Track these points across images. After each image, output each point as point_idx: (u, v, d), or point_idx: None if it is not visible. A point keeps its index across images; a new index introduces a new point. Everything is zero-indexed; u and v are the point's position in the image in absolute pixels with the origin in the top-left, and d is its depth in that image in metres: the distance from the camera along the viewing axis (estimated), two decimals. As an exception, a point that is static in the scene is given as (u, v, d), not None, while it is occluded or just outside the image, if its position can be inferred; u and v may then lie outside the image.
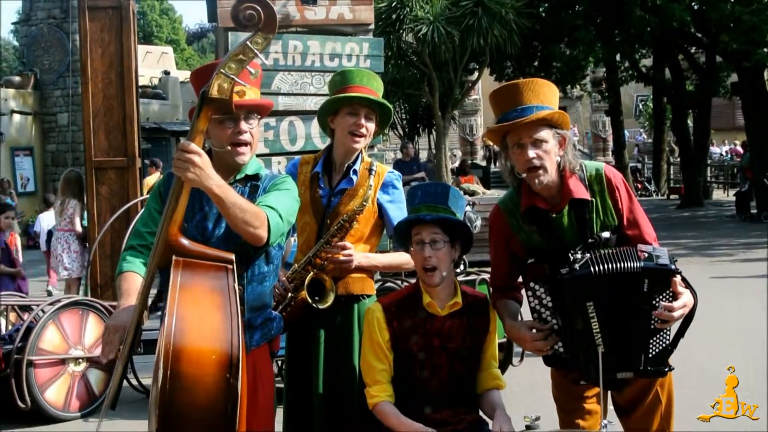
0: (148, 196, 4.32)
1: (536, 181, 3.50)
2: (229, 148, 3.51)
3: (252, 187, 3.57)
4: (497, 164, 33.74)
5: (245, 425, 3.15)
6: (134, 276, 3.47)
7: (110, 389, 3.49)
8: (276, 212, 3.39)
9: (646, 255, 3.40)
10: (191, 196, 3.36)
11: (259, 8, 3.06)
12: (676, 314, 3.38)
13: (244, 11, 3.05)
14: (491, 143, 34.41)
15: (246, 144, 3.54)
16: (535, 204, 3.56)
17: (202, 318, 2.96)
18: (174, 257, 3.14)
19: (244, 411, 3.08)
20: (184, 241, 3.20)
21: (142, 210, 3.73)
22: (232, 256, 3.22)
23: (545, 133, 3.50)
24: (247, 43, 3.09)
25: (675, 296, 3.41)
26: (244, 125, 3.53)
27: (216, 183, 3.16)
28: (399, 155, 21.42)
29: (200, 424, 2.86)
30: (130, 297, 3.39)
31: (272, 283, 3.70)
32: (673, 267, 3.38)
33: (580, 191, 3.55)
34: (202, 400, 2.85)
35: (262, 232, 3.30)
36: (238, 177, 3.57)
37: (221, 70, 3.10)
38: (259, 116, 3.66)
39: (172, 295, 2.98)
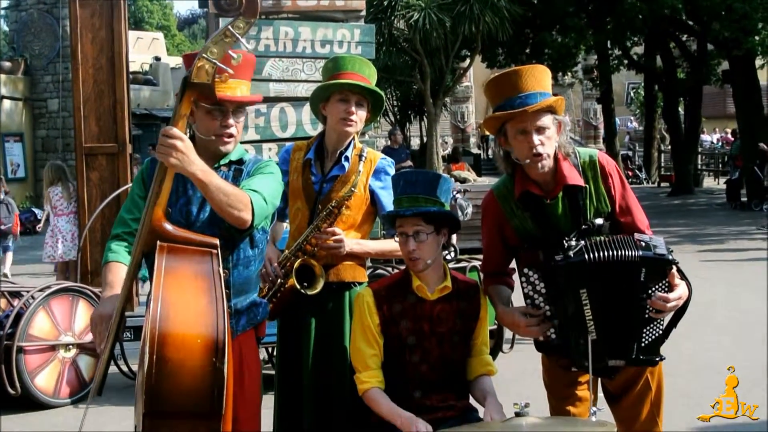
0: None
1: (539, 166, 3.49)
2: (214, 137, 3.54)
3: (236, 171, 3.59)
4: (489, 152, 33.78)
5: (231, 410, 3.16)
6: (119, 266, 3.49)
7: (96, 376, 3.50)
8: (260, 195, 3.41)
9: (644, 244, 3.40)
10: (175, 181, 3.38)
11: None
12: (670, 305, 3.38)
13: None
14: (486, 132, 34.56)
15: (231, 136, 3.57)
16: (529, 189, 3.56)
17: (188, 303, 2.97)
18: (158, 242, 3.15)
19: (230, 398, 3.09)
20: (168, 226, 3.21)
21: (127, 197, 3.74)
22: (217, 241, 3.24)
23: (547, 120, 3.50)
24: (229, 27, 3.10)
25: (671, 287, 3.41)
26: (231, 119, 3.56)
27: (199, 168, 3.17)
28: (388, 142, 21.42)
29: (187, 408, 2.87)
30: (114, 288, 3.42)
31: (258, 267, 3.72)
32: (670, 257, 3.39)
33: (574, 177, 3.55)
34: (189, 385, 2.86)
35: (245, 215, 3.31)
36: (222, 162, 3.59)
37: (203, 54, 3.12)
38: (245, 109, 3.70)
39: (157, 280, 2.99)
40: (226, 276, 3.52)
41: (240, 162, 3.64)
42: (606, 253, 3.37)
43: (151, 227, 3.18)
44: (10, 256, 15.27)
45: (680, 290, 3.42)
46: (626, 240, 3.43)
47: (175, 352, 2.85)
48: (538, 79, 3.55)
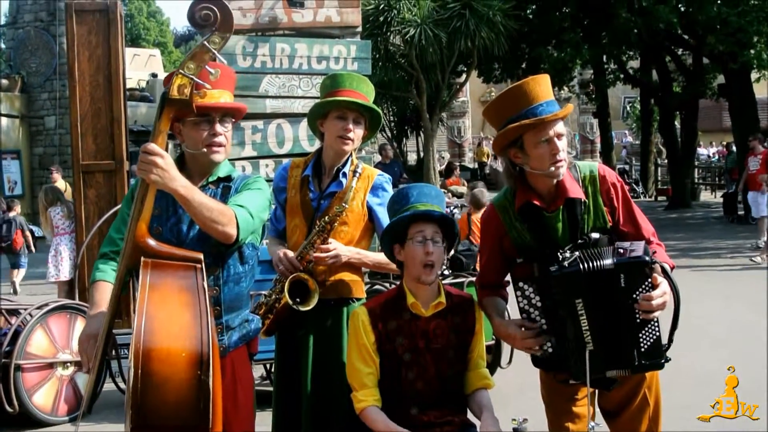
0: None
1: (559, 172, 3.51)
2: (204, 150, 3.55)
3: (224, 188, 3.61)
4: (488, 169, 33.76)
5: (221, 426, 3.17)
6: (105, 285, 3.51)
7: (86, 393, 3.52)
8: (245, 210, 3.44)
9: (621, 251, 3.41)
10: (165, 200, 3.44)
11: (214, 8, 3.11)
12: (655, 303, 3.35)
13: (200, 11, 3.11)
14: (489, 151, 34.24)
15: (220, 145, 3.58)
16: (531, 200, 3.57)
17: (171, 317, 2.99)
18: (142, 258, 3.16)
19: (219, 411, 3.10)
20: (151, 242, 3.22)
21: (116, 216, 3.75)
22: (201, 256, 3.25)
23: (563, 127, 3.53)
24: (204, 42, 3.13)
25: (654, 287, 3.39)
26: (219, 127, 3.58)
27: (180, 184, 3.19)
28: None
29: (173, 422, 2.89)
30: (100, 307, 3.44)
31: (249, 283, 3.73)
32: (646, 258, 3.37)
33: (575, 191, 3.56)
34: (174, 398, 2.87)
35: (230, 229, 3.33)
36: (210, 179, 3.61)
37: (180, 70, 3.15)
38: (233, 119, 3.70)
39: (142, 295, 3.01)
40: (216, 293, 3.56)
41: (228, 179, 3.66)
42: (589, 264, 3.39)
43: (134, 243, 3.19)
44: (22, 272, 15.62)
45: (662, 287, 3.39)
46: (607, 249, 3.44)
47: (160, 366, 2.87)
48: (549, 88, 3.58)
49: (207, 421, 2.89)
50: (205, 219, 3.27)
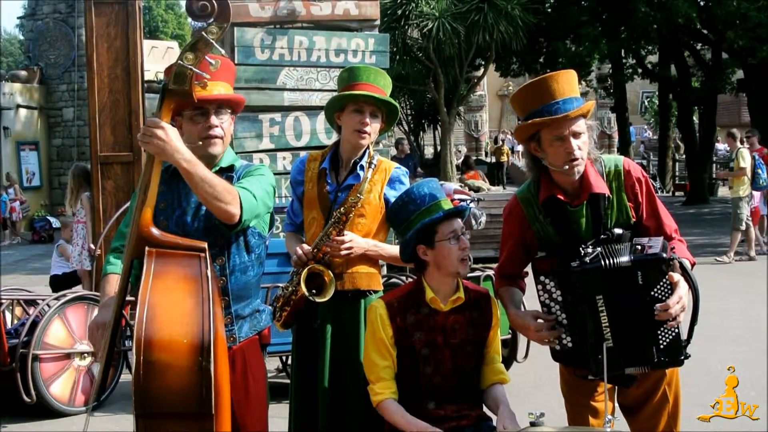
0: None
1: (575, 171, 3.49)
2: (201, 143, 3.55)
3: (227, 178, 3.59)
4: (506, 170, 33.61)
5: (229, 414, 3.18)
6: (116, 278, 3.52)
7: (95, 383, 3.54)
8: (249, 192, 3.44)
9: (639, 248, 3.40)
10: (171, 194, 3.48)
11: None
12: (673, 311, 3.33)
13: (197, 2, 3.11)
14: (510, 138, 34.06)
15: (216, 137, 3.57)
16: (555, 195, 3.55)
17: (173, 305, 2.99)
18: (147, 247, 3.17)
19: (226, 399, 3.12)
20: (155, 232, 3.22)
21: (127, 212, 3.77)
22: (205, 245, 3.25)
23: (582, 124, 3.50)
24: (202, 33, 3.12)
25: (672, 285, 3.37)
26: (214, 119, 3.57)
27: (183, 157, 3.18)
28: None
29: (176, 409, 2.89)
30: (109, 297, 3.48)
31: (256, 273, 3.74)
32: (663, 255, 3.36)
33: (600, 186, 3.54)
34: (177, 385, 2.88)
35: (233, 208, 3.32)
36: (213, 170, 3.59)
37: (179, 61, 3.14)
38: (231, 111, 3.70)
39: (145, 284, 3.01)
40: (223, 283, 3.57)
41: (230, 169, 3.66)
42: (610, 261, 3.37)
43: (138, 233, 3.20)
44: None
45: (680, 290, 3.37)
46: (626, 246, 3.43)
47: (162, 354, 2.88)
48: (572, 84, 3.55)
49: (210, 408, 2.90)
50: (207, 195, 3.25)
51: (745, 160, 14.93)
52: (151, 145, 3.12)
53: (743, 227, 14.94)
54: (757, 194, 15.47)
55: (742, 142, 16.85)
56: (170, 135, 3.14)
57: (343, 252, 4.06)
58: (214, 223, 3.47)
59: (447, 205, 3.81)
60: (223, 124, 3.61)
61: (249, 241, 3.66)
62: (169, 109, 3.21)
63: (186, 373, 2.89)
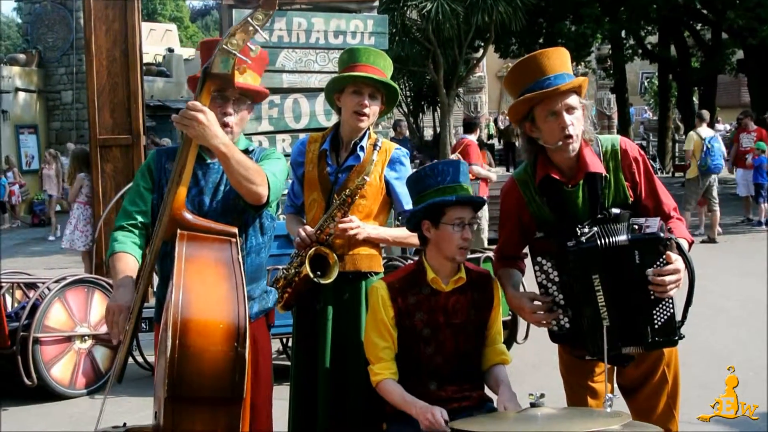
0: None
1: (570, 148, 3.47)
2: None
3: None
4: (501, 142, 33.57)
5: (249, 396, 3.21)
6: (127, 256, 3.51)
7: (116, 364, 3.52)
8: (272, 173, 3.49)
9: (637, 227, 3.39)
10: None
11: None
12: (668, 278, 3.31)
13: None
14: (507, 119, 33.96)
15: (226, 125, 3.55)
16: (551, 174, 3.54)
17: (209, 289, 3.01)
18: (178, 230, 3.19)
19: (249, 382, 3.13)
20: (188, 215, 3.26)
21: (131, 188, 3.76)
22: (236, 230, 3.29)
23: (575, 100, 3.48)
24: (248, 19, 3.14)
25: (669, 265, 3.36)
26: (231, 108, 3.58)
27: (222, 141, 3.22)
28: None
29: (209, 393, 2.92)
30: (125, 276, 3.43)
31: (267, 254, 3.79)
32: (661, 234, 3.35)
33: (596, 165, 3.52)
34: (211, 370, 2.90)
35: (263, 189, 3.39)
36: None
37: (223, 45, 3.15)
38: (251, 102, 3.71)
39: (178, 267, 3.03)
40: None
41: (246, 152, 3.65)
42: (607, 240, 3.37)
43: (171, 216, 3.21)
44: None
45: (676, 264, 3.35)
46: (624, 226, 3.42)
47: (198, 338, 2.89)
48: (563, 60, 3.54)
49: (241, 393, 2.93)
50: (241, 178, 3.30)
51: (690, 142, 15.23)
52: (191, 128, 3.15)
53: (716, 208, 15.16)
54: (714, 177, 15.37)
55: (711, 126, 17.02)
56: (210, 119, 3.17)
57: (352, 233, 4.06)
58: (231, 204, 3.51)
59: (465, 192, 3.76)
60: (237, 114, 3.62)
61: (264, 222, 3.71)
62: (209, 93, 3.24)
63: (222, 358, 2.91)
